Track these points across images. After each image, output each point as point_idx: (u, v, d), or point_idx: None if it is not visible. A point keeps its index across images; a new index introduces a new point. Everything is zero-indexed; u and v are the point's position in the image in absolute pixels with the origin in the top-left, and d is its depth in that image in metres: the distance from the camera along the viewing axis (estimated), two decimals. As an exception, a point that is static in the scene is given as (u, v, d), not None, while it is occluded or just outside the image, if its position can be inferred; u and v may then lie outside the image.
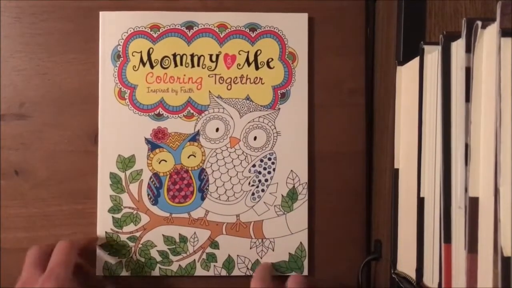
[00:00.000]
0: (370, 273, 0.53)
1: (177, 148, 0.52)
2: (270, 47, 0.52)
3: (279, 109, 0.52)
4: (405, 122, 0.45)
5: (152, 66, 0.52)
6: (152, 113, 0.52)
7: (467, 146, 0.32)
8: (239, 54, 0.52)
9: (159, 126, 0.52)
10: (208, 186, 0.52)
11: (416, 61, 0.41)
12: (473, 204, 0.31)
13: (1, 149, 0.52)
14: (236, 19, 0.52)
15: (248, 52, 0.52)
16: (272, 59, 0.52)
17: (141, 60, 0.52)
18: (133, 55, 0.52)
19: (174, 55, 0.52)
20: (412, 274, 0.42)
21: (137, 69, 0.52)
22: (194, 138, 0.52)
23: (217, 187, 0.52)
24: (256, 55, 0.52)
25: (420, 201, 0.40)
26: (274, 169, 0.52)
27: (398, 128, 0.46)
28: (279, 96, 0.52)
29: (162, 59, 0.52)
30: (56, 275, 0.43)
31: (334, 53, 0.53)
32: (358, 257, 0.53)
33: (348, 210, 0.54)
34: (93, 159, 0.52)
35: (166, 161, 0.52)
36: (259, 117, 0.52)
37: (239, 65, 0.52)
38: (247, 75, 0.52)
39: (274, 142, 0.52)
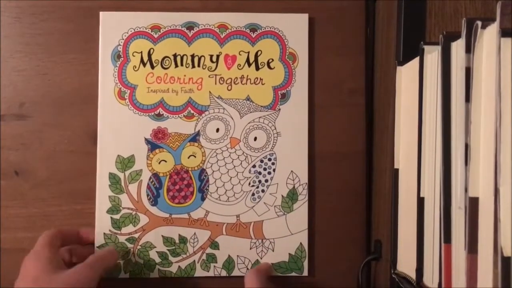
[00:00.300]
0: (370, 273, 0.53)
1: (177, 149, 0.52)
2: (271, 48, 0.52)
3: (279, 109, 0.52)
4: (405, 122, 0.45)
5: (152, 67, 0.52)
6: (152, 113, 0.52)
7: (467, 146, 0.32)
8: (240, 54, 0.52)
9: (159, 126, 0.52)
10: (208, 186, 0.52)
11: (416, 61, 0.41)
12: (473, 204, 0.31)
13: (1, 149, 0.52)
14: (237, 19, 0.52)
15: (248, 52, 0.52)
16: (273, 60, 0.52)
17: (142, 60, 0.52)
18: (133, 55, 0.52)
19: (175, 56, 0.52)
20: (412, 274, 0.42)
21: (138, 69, 0.52)
22: (194, 138, 0.52)
23: (217, 187, 0.52)
24: (256, 56, 0.52)
25: (420, 201, 0.40)
26: (274, 170, 0.52)
27: (398, 128, 0.46)
28: (280, 97, 0.52)
29: (163, 59, 0.52)
30: (36, 253, 0.44)
31: (334, 53, 0.53)
32: (358, 257, 0.53)
33: (348, 210, 0.54)
34: (93, 159, 0.51)
35: (166, 161, 0.52)
36: (259, 117, 0.52)
37: (240, 66, 0.52)
38: (247, 76, 0.52)
39: (274, 143, 0.52)
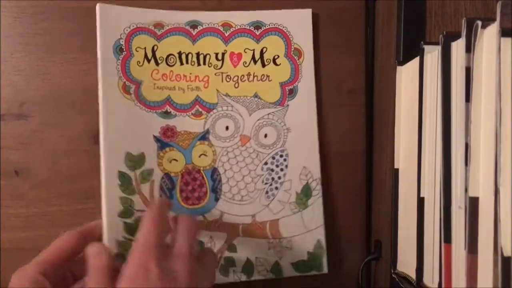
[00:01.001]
0: (370, 273, 0.53)
1: (187, 147, 0.50)
2: (276, 44, 0.52)
3: (287, 105, 0.51)
4: (405, 122, 0.45)
5: (157, 63, 0.50)
6: (160, 111, 0.50)
7: (467, 146, 0.32)
8: (245, 52, 0.51)
9: (168, 124, 0.50)
10: (221, 186, 0.50)
11: (416, 61, 0.41)
12: (473, 204, 0.31)
13: (1, 149, 0.52)
14: (240, 17, 0.51)
15: (253, 50, 0.52)
16: (278, 56, 0.52)
17: (146, 56, 0.50)
18: (136, 51, 0.50)
19: (180, 53, 0.51)
20: (412, 274, 0.42)
21: (142, 64, 0.50)
22: (204, 136, 0.50)
23: (231, 186, 0.50)
24: (262, 53, 0.52)
25: (420, 201, 0.40)
26: (286, 166, 0.51)
27: (398, 128, 0.46)
28: (287, 93, 0.52)
29: (167, 56, 0.50)
30: (20, 272, 0.39)
31: (334, 53, 0.53)
32: (357, 257, 0.53)
33: (348, 210, 0.53)
34: (93, 158, 0.51)
35: (177, 160, 0.50)
36: (268, 114, 0.51)
37: (245, 63, 0.51)
38: (254, 73, 0.51)
39: (285, 139, 0.51)
